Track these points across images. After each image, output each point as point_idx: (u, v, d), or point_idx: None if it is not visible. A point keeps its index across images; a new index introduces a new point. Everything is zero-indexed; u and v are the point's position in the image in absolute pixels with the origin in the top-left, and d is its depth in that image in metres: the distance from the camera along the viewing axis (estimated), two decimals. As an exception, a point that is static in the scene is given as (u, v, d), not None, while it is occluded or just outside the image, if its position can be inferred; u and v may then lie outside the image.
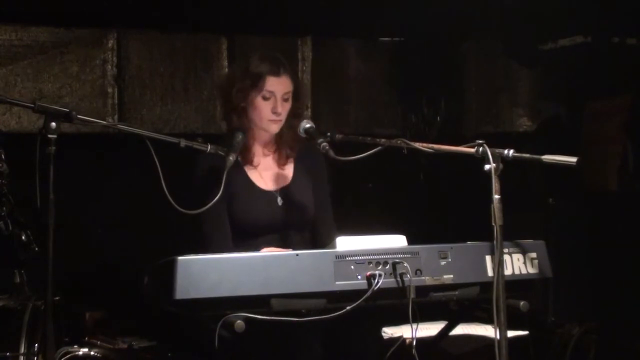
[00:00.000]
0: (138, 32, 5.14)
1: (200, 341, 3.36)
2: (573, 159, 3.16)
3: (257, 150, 3.72)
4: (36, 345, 3.62)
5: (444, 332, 3.69)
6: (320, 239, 3.69)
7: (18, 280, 3.77)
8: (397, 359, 3.57)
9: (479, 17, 5.34)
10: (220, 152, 3.43)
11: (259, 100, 3.62)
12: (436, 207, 5.70)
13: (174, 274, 2.89)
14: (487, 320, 4.17)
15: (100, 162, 4.87)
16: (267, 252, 3.35)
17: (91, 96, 5.03)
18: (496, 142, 3.18)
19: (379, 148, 3.37)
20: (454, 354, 4.24)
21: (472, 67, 5.77)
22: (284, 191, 3.70)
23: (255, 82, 3.60)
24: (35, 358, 3.61)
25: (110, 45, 5.07)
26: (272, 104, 3.61)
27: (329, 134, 3.49)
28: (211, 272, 2.93)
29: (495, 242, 3.05)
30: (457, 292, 3.23)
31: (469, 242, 3.31)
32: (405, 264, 3.11)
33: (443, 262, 3.19)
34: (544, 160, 3.19)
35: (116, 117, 5.06)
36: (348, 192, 5.32)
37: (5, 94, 4.02)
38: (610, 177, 5.03)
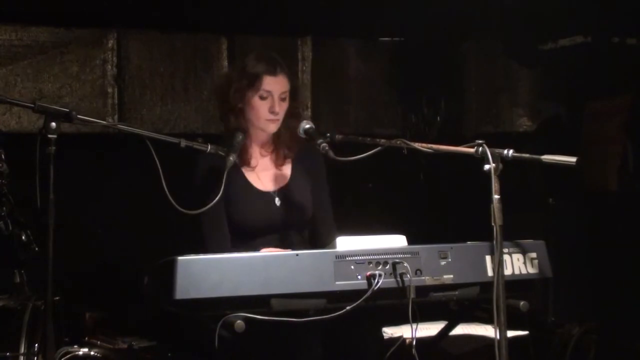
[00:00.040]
0: (138, 32, 5.14)
1: (200, 341, 3.36)
2: (573, 159, 3.16)
3: (255, 151, 3.72)
4: (36, 345, 3.62)
5: (444, 332, 3.69)
6: (320, 239, 3.69)
7: (18, 280, 3.77)
8: (397, 359, 3.58)
9: (479, 17, 5.34)
10: (220, 152, 3.43)
11: (256, 100, 3.62)
12: (436, 207, 5.70)
13: (174, 274, 2.89)
14: (487, 320, 4.17)
15: (100, 162, 4.87)
16: (267, 252, 3.35)
17: (91, 96, 5.03)
18: (496, 142, 3.18)
19: (379, 148, 3.37)
20: (454, 354, 4.24)
21: (472, 67, 5.77)
22: (282, 192, 3.70)
23: (252, 82, 3.61)
24: (35, 358, 3.60)
25: (110, 45, 5.07)
26: (269, 104, 3.61)
27: (328, 134, 3.49)
28: (211, 272, 2.93)
29: (495, 242, 3.05)
30: (457, 292, 3.23)
31: (469, 242, 3.31)
32: (405, 264, 3.11)
33: (443, 262, 3.19)
34: (544, 160, 3.19)
35: (116, 117, 5.06)
36: (348, 192, 5.32)
37: (5, 94, 4.02)
38: (610, 177, 5.03)
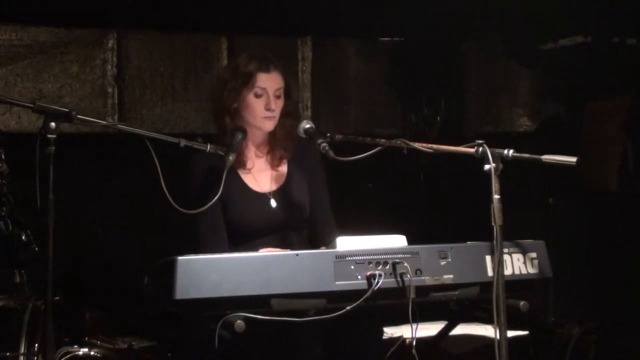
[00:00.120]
0: (138, 32, 5.15)
1: (200, 341, 3.36)
2: (573, 159, 3.16)
3: (251, 151, 3.71)
4: (36, 345, 3.62)
5: (444, 332, 3.69)
6: (320, 239, 3.68)
7: (18, 280, 3.77)
8: (397, 359, 3.58)
9: (479, 17, 5.34)
10: (219, 152, 3.43)
11: (251, 98, 3.61)
12: (436, 207, 5.70)
13: (174, 274, 2.89)
14: (487, 320, 4.17)
15: (100, 162, 4.87)
16: (267, 252, 3.35)
17: (91, 96, 5.03)
18: (496, 142, 3.18)
19: (379, 148, 3.37)
20: (454, 354, 4.24)
21: (472, 67, 5.77)
22: (278, 193, 3.69)
23: (246, 81, 3.60)
24: (35, 358, 3.60)
25: (110, 45, 5.07)
26: (265, 101, 3.61)
27: (328, 134, 3.49)
28: (211, 272, 2.93)
29: (495, 242, 3.05)
30: (457, 292, 3.23)
31: (469, 242, 3.31)
32: (405, 264, 3.10)
33: (443, 262, 3.19)
34: (544, 160, 3.18)
35: (116, 117, 5.06)
36: (348, 192, 5.32)
37: (5, 94, 4.02)
38: (610, 177, 5.03)
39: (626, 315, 4.70)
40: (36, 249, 3.71)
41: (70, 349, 3.88)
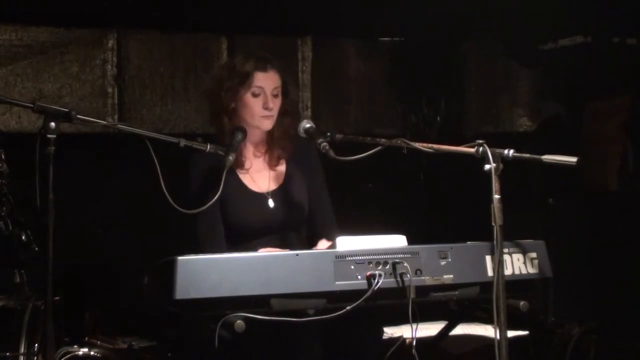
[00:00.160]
0: (138, 32, 5.14)
1: (200, 341, 3.36)
2: (573, 159, 3.16)
3: (249, 151, 3.71)
4: (36, 345, 3.62)
5: (444, 332, 3.69)
6: (321, 238, 3.68)
7: (18, 280, 3.77)
8: (397, 359, 3.58)
9: (479, 17, 5.34)
10: (219, 152, 3.43)
11: (248, 98, 3.61)
12: (436, 207, 5.70)
13: (174, 274, 2.89)
14: (487, 320, 4.17)
15: (100, 162, 4.87)
16: (266, 252, 3.35)
17: (91, 96, 5.03)
18: (496, 142, 3.18)
19: (379, 148, 3.37)
20: (454, 354, 4.24)
21: (472, 67, 5.77)
22: (276, 192, 3.69)
23: (244, 80, 3.60)
24: (35, 358, 3.60)
25: (110, 45, 5.07)
26: (262, 100, 3.61)
27: (328, 134, 3.49)
28: (211, 272, 2.93)
29: (495, 242, 3.05)
30: (457, 292, 3.23)
31: (469, 242, 3.31)
32: (405, 264, 3.10)
33: (443, 262, 3.19)
34: (544, 160, 3.18)
35: (116, 117, 5.06)
36: (348, 192, 5.32)
37: (5, 94, 4.02)
38: (610, 177, 5.03)
39: (626, 315, 4.70)
40: (36, 249, 3.71)
41: (70, 349, 3.88)
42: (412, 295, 3.09)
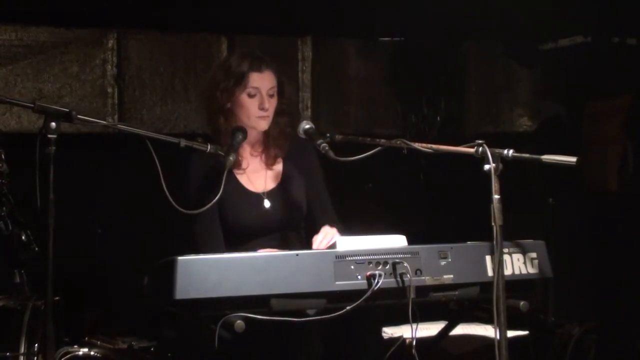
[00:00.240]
0: (138, 32, 5.14)
1: (200, 341, 3.36)
2: (573, 159, 3.16)
3: (245, 151, 3.70)
4: (36, 345, 3.62)
5: (444, 332, 3.69)
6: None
7: (18, 280, 3.77)
8: (397, 359, 3.58)
9: (479, 17, 5.34)
10: (220, 152, 3.43)
11: (244, 98, 3.61)
12: (436, 207, 5.69)
13: (174, 274, 2.89)
14: (487, 320, 4.17)
15: (100, 162, 4.87)
16: (266, 252, 3.35)
17: (91, 96, 5.03)
18: (496, 142, 3.18)
19: (379, 148, 3.37)
20: (454, 354, 4.24)
21: (472, 67, 5.77)
22: (272, 192, 3.68)
23: (239, 80, 3.59)
24: (35, 358, 3.60)
25: (110, 45, 5.07)
26: (258, 100, 3.61)
27: (328, 134, 3.49)
28: (211, 272, 2.93)
29: (495, 242, 3.05)
30: (457, 292, 3.23)
31: (469, 242, 3.31)
32: (405, 264, 3.10)
33: (443, 262, 3.19)
34: (544, 160, 3.18)
35: (116, 117, 5.06)
36: (348, 192, 5.32)
37: (5, 94, 4.02)
38: (610, 177, 5.03)
39: (626, 315, 4.71)
40: (36, 249, 3.71)
41: (70, 349, 3.88)
42: (412, 295, 3.09)
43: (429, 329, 3.79)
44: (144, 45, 5.16)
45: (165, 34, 5.19)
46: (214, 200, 3.35)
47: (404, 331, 3.94)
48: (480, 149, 3.13)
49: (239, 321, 2.92)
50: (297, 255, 3.06)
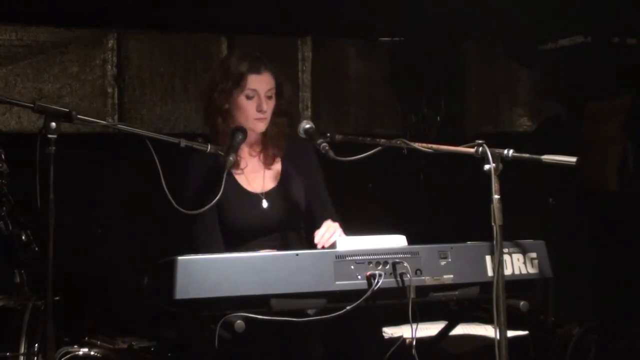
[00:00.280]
0: (138, 32, 5.14)
1: (200, 341, 3.36)
2: (573, 159, 3.16)
3: (244, 151, 3.69)
4: (36, 345, 3.62)
5: (444, 332, 3.69)
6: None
7: (18, 280, 3.77)
8: (397, 359, 3.58)
9: (479, 17, 5.34)
10: (220, 152, 3.43)
11: (242, 100, 3.61)
12: (436, 207, 5.69)
13: (174, 274, 2.89)
14: (487, 320, 4.17)
15: (100, 162, 4.87)
16: (266, 252, 3.35)
17: (91, 96, 5.03)
18: (496, 142, 3.18)
19: (379, 148, 3.37)
20: (454, 354, 4.24)
21: (472, 67, 5.77)
22: (271, 193, 3.68)
23: (237, 82, 3.59)
24: (35, 358, 3.61)
25: (110, 45, 5.07)
26: (256, 102, 3.60)
27: (328, 134, 3.49)
28: (211, 272, 2.93)
29: (495, 242, 3.05)
30: (457, 292, 3.23)
31: (469, 242, 3.31)
32: (405, 264, 3.10)
33: (443, 262, 3.19)
34: (544, 160, 3.18)
35: (116, 117, 5.06)
36: (348, 192, 5.32)
37: (5, 94, 4.02)
38: (610, 177, 5.03)
39: (626, 315, 4.71)
40: (36, 249, 3.71)
41: (70, 349, 3.88)
42: (412, 295, 3.09)
43: (429, 329, 3.79)
44: (144, 45, 5.16)
45: (165, 34, 5.19)
46: (214, 201, 3.35)
47: (404, 331, 3.94)
48: (480, 149, 3.13)
49: (239, 321, 2.92)
50: (297, 255, 3.06)
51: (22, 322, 3.62)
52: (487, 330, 4.35)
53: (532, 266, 3.30)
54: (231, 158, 3.42)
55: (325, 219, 3.65)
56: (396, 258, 3.11)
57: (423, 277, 3.15)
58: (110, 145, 4.71)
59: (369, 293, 3.05)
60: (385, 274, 3.07)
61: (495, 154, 3.11)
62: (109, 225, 4.93)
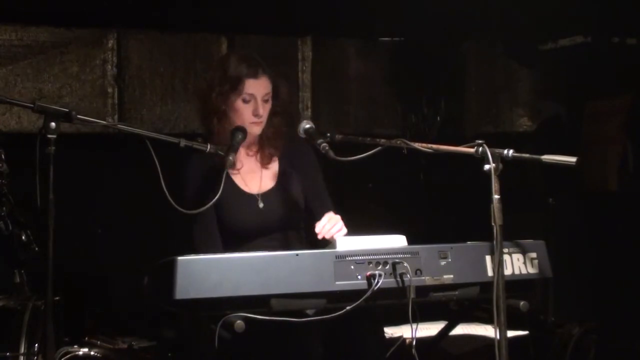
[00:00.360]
0: (138, 32, 5.14)
1: (200, 341, 3.36)
2: (573, 159, 3.16)
3: (240, 152, 3.68)
4: (36, 345, 3.62)
5: (444, 332, 3.69)
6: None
7: (18, 280, 3.77)
8: (397, 359, 3.58)
9: (479, 17, 5.34)
10: (220, 152, 3.43)
11: (239, 103, 3.61)
12: (436, 207, 5.69)
13: (174, 274, 2.89)
14: (487, 320, 4.18)
15: (100, 162, 4.87)
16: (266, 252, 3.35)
17: (91, 96, 5.03)
18: (496, 142, 3.18)
19: (379, 148, 3.37)
20: (454, 354, 4.24)
21: (472, 67, 5.77)
22: (268, 193, 3.68)
23: (235, 86, 3.59)
24: (35, 358, 3.60)
25: (110, 45, 5.07)
26: (252, 107, 3.61)
27: (328, 134, 3.49)
28: (211, 272, 2.93)
29: (495, 242, 3.05)
30: (457, 292, 3.23)
31: (469, 242, 3.31)
32: (405, 264, 3.11)
33: (443, 262, 3.19)
34: (544, 160, 3.19)
35: (116, 117, 5.06)
36: (348, 192, 5.31)
37: (5, 94, 4.02)
38: (610, 177, 5.03)
39: (626, 315, 4.70)
40: (36, 249, 3.71)
41: (70, 349, 3.88)
42: (412, 295, 3.09)
43: (429, 329, 3.79)
44: (144, 45, 5.16)
45: (165, 34, 5.19)
46: (213, 200, 3.35)
47: (404, 331, 3.94)
48: (480, 149, 3.13)
49: (239, 321, 2.92)
50: (297, 255, 3.06)
51: (22, 322, 3.62)
52: (487, 330, 4.35)
53: (532, 266, 3.31)
54: (231, 158, 3.41)
55: (323, 215, 3.66)
56: (396, 258, 3.12)
57: (423, 277, 3.15)
58: (110, 145, 4.70)
59: (369, 293, 3.05)
60: (385, 274, 3.07)
61: (495, 154, 3.11)
62: (109, 225, 4.93)
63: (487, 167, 3.09)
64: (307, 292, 3.03)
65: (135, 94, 5.15)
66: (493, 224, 3.05)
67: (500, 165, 3.10)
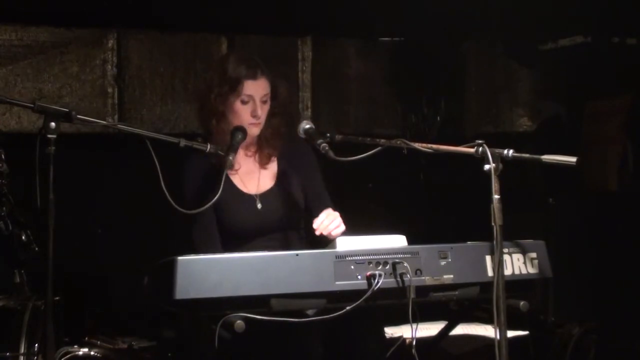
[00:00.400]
0: (138, 32, 5.14)
1: (200, 341, 3.36)
2: (573, 159, 3.16)
3: (239, 153, 3.68)
4: (36, 345, 3.62)
5: (444, 332, 3.69)
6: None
7: (18, 280, 3.77)
8: (397, 359, 3.58)
9: (479, 17, 5.34)
10: (219, 152, 3.43)
11: (237, 105, 3.61)
12: (436, 207, 5.69)
13: (174, 274, 2.89)
14: (487, 320, 4.17)
15: (100, 162, 4.87)
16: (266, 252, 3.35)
17: (91, 96, 5.03)
18: (496, 142, 3.18)
19: (379, 148, 3.37)
20: (454, 354, 4.24)
21: (472, 67, 5.77)
22: (266, 193, 3.68)
23: (234, 87, 3.60)
24: (35, 358, 3.60)
25: (110, 45, 5.07)
26: (251, 108, 3.61)
27: (328, 134, 3.49)
28: (211, 272, 2.93)
29: (495, 242, 3.05)
30: (457, 292, 3.23)
31: (469, 242, 3.31)
32: (405, 264, 3.11)
33: (443, 262, 3.19)
34: (544, 160, 3.19)
35: (116, 117, 5.06)
36: (348, 192, 5.31)
37: (5, 94, 4.02)
38: (610, 177, 5.03)
39: (626, 315, 4.70)
40: (36, 249, 3.71)
41: (70, 349, 3.88)
42: (412, 295, 3.09)
43: (429, 329, 3.79)
44: (144, 45, 5.16)
45: (165, 34, 5.19)
46: (213, 200, 3.35)
47: (404, 331, 3.94)
48: (480, 149, 3.13)
49: (239, 321, 2.92)
50: (297, 255, 3.06)
51: (22, 322, 3.62)
52: (487, 330, 4.35)
53: (532, 266, 3.31)
54: (230, 158, 3.42)
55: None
56: (396, 258, 3.12)
57: (423, 277, 3.15)
58: (110, 145, 4.70)
59: (369, 293, 3.05)
60: (385, 274, 3.07)
61: (495, 154, 3.11)
62: (109, 225, 4.93)
63: (487, 167, 3.09)
64: (307, 292, 3.03)
65: (135, 94, 5.15)
66: (493, 224, 3.05)
67: (500, 165, 3.10)
